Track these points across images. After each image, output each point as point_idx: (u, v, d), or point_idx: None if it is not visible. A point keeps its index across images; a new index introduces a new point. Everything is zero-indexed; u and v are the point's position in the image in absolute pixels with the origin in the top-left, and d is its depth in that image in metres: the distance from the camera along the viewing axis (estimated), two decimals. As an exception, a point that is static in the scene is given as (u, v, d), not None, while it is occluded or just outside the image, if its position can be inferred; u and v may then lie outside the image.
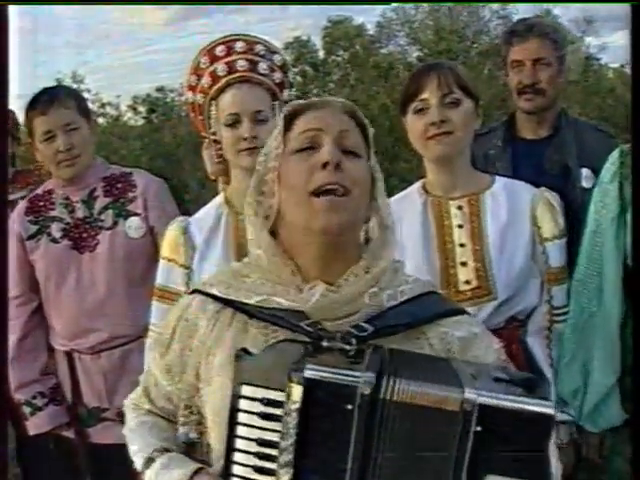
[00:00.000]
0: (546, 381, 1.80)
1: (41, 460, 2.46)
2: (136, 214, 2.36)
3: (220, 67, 1.93)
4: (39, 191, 2.45)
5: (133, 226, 2.36)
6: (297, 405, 0.98)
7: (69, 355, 2.38)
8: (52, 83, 5.59)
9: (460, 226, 1.91)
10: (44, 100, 2.32)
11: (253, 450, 1.01)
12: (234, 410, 1.02)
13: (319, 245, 1.16)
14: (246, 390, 1.02)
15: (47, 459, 2.44)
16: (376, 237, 1.22)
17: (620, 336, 1.92)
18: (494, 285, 1.86)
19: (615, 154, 1.95)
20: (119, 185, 2.40)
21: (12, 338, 2.34)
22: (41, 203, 2.42)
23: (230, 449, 1.03)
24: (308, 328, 1.11)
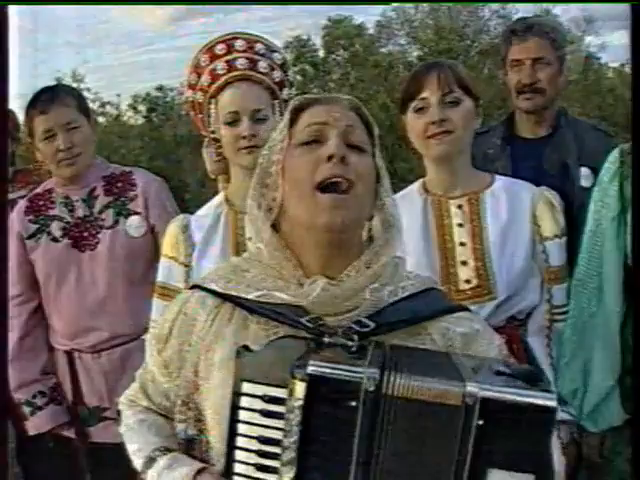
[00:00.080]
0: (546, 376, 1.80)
1: (41, 459, 2.46)
2: (136, 213, 2.36)
3: (220, 65, 1.93)
4: (39, 190, 2.45)
5: (133, 225, 2.36)
6: (300, 402, 0.98)
7: (69, 354, 2.38)
8: (52, 82, 5.59)
9: (460, 225, 1.91)
10: (45, 99, 2.32)
11: (254, 448, 1.01)
12: (235, 407, 1.01)
13: (321, 242, 1.15)
14: (247, 387, 1.01)
15: (47, 458, 2.44)
16: (379, 235, 1.22)
17: (620, 336, 1.92)
18: (494, 284, 1.86)
19: (615, 153, 1.95)
20: (119, 184, 2.40)
21: (12, 337, 2.34)
22: (41, 202, 2.41)
23: (231, 447, 1.02)
24: (309, 324, 1.10)
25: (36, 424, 2.38)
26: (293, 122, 1.20)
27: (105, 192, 2.39)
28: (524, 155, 2.39)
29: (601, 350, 1.93)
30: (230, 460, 1.03)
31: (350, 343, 1.06)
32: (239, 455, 1.02)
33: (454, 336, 1.17)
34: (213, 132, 1.97)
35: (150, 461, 1.20)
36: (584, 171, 2.32)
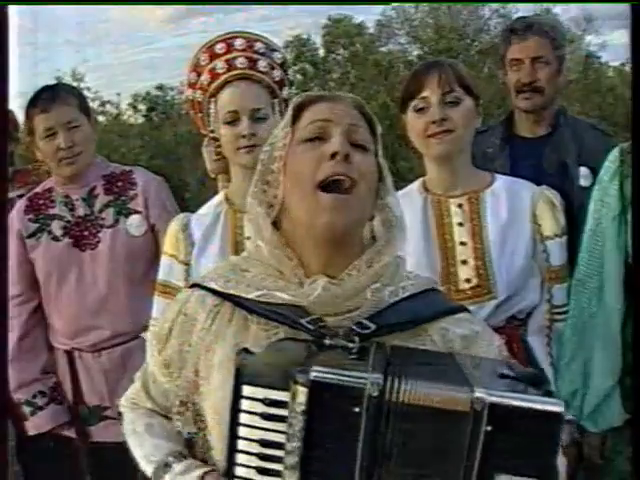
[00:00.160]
0: (546, 377, 1.80)
1: (41, 458, 2.46)
2: (137, 212, 2.37)
3: (219, 64, 1.93)
4: (38, 189, 2.45)
5: (134, 224, 2.36)
6: (303, 407, 0.97)
7: (69, 354, 2.38)
8: (52, 81, 5.58)
9: (460, 224, 1.91)
10: (45, 97, 2.32)
11: (255, 451, 1.00)
12: (235, 410, 1.01)
13: (322, 241, 1.14)
14: (247, 390, 1.00)
15: (47, 457, 2.44)
16: (381, 235, 1.21)
17: (621, 335, 1.92)
18: (494, 284, 1.85)
19: (615, 152, 1.94)
20: (119, 183, 2.40)
21: (12, 337, 2.33)
22: (41, 201, 2.41)
23: (232, 450, 1.02)
24: (309, 325, 1.09)
25: (36, 424, 2.38)
26: (296, 119, 1.19)
27: (105, 191, 2.39)
28: (523, 154, 2.39)
29: (601, 350, 1.92)
30: (231, 463, 1.02)
31: (351, 345, 1.05)
32: (240, 458, 1.01)
33: (454, 338, 1.17)
34: (213, 131, 1.97)
35: (165, 466, 1.18)
36: (583, 170, 2.31)
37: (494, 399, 0.96)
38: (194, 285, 1.24)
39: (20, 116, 2.61)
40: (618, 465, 1.99)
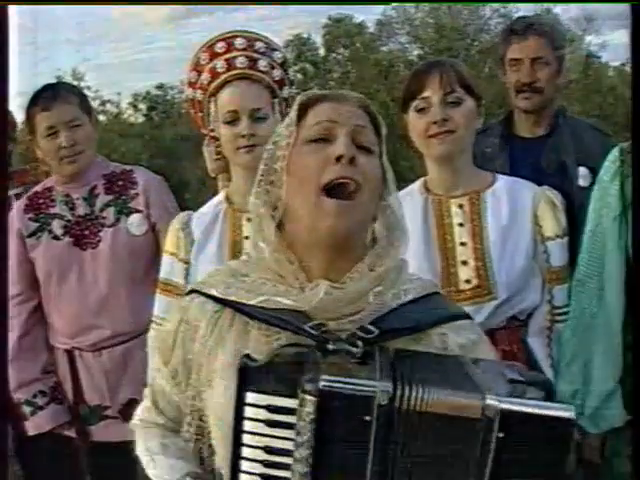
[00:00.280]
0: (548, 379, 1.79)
1: (41, 458, 2.46)
2: (138, 211, 2.36)
3: (219, 64, 1.93)
4: (38, 188, 2.45)
5: (135, 223, 2.36)
6: (312, 416, 0.96)
7: (69, 353, 2.38)
8: (52, 80, 5.57)
9: (461, 225, 1.91)
10: (47, 96, 2.32)
11: (260, 458, 0.99)
12: (239, 418, 0.99)
13: (324, 245, 1.13)
14: (250, 397, 0.99)
15: (47, 456, 2.44)
16: (382, 237, 1.19)
17: (621, 336, 1.91)
18: (495, 284, 1.85)
19: (615, 152, 1.94)
20: (120, 182, 2.40)
21: (12, 337, 2.33)
22: (41, 200, 2.41)
23: (236, 457, 1.00)
24: (312, 331, 1.07)
25: (37, 424, 2.37)
26: (300, 118, 1.17)
27: (106, 190, 2.39)
28: (522, 154, 2.39)
29: (602, 351, 1.91)
30: (236, 470, 1.01)
31: (355, 350, 1.03)
32: (245, 465, 1.00)
33: (453, 346, 1.15)
34: (213, 130, 1.97)
35: None
36: (582, 170, 2.31)
37: (505, 406, 0.95)
38: (193, 291, 1.23)
39: (19, 116, 2.61)
40: (618, 465, 1.98)
